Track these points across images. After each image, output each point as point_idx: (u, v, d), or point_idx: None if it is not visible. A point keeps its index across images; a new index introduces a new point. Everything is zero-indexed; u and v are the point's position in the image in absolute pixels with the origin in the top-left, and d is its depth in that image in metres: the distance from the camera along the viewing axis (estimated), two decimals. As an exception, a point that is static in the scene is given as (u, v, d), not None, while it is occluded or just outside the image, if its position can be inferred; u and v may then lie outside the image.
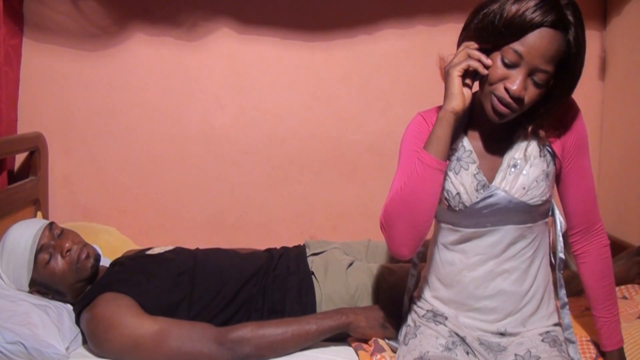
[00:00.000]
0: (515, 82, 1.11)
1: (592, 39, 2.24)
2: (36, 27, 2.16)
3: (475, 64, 1.13)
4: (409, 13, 2.23)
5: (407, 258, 1.28)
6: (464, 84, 1.17)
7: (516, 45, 1.10)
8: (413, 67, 2.24)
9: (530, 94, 1.13)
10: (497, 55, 1.12)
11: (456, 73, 1.15)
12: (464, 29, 1.19)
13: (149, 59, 2.22)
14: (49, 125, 2.19)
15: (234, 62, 2.24)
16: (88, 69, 2.20)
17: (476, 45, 1.15)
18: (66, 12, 2.15)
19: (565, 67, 1.13)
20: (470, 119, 1.27)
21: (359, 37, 2.25)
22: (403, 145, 1.29)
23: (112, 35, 2.19)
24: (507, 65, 1.12)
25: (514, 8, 1.08)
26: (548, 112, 1.19)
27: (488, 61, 1.13)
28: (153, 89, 2.23)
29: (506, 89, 1.12)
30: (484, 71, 1.13)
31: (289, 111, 2.27)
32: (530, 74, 1.11)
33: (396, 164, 1.29)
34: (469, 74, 1.17)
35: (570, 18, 1.09)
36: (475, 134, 1.27)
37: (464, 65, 1.14)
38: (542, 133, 1.23)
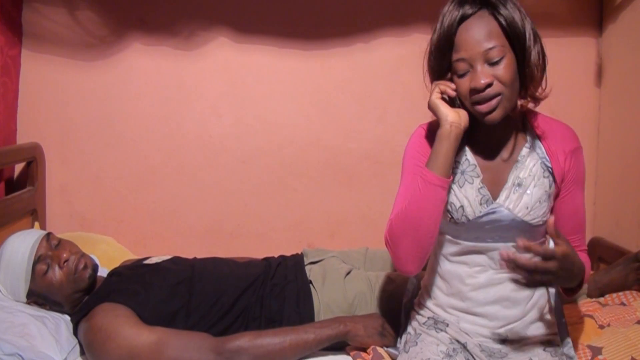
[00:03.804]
0: (475, 78, 1.16)
1: (588, 46, 2.26)
2: (35, 38, 2.16)
3: (442, 87, 1.21)
4: (405, 21, 2.24)
5: (413, 274, 1.30)
6: (456, 106, 1.23)
7: (455, 55, 1.17)
8: (410, 75, 2.24)
9: (498, 72, 1.16)
10: (454, 76, 1.20)
11: (435, 96, 1.22)
12: (427, 72, 1.27)
13: (146, 69, 2.22)
14: (46, 135, 2.19)
15: (231, 71, 2.25)
16: (85, 79, 2.20)
17: (442, 82, 1.23)
18: (64, 22, 2.16)
19: (513, 37, 1.16)
20: (472, 135, 1.29)
21: (356, 45, 2.25)
22: (405, 161, 1.31)
23: (109, 45, 2.20)
24: (463, 75, 1.18)
25: (439, 21, 1.19)
26: (532, 83, 1.21)
27: (452, 86, 1.21)
28: (150, 99, 2.23)
29: (474, 90, 1.16)
30: (453, 93, 1.20)
31: (286, 120, 2.28)
32: (484, 62, 1.16)
33: (393, 172, 1.30)
34: (449, 102, 1.23)
35: None
36: (477, 149, 1.29)
37: (437, 90, 1.22)
38: (544, 145, 1.26)
